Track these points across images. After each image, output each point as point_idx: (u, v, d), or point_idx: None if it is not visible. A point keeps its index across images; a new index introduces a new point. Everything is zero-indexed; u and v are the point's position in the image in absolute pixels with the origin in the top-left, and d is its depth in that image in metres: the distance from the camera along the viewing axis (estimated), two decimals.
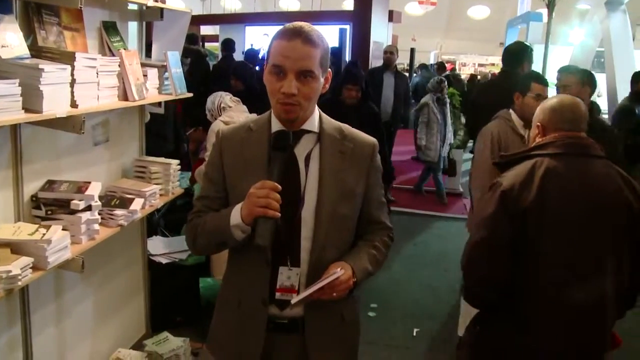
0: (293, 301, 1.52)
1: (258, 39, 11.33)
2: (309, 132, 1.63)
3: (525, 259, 1.88)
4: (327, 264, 1.58)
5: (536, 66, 13.57)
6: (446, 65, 14.87)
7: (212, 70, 7.44)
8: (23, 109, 1.92)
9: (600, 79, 10.93)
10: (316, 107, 1.65)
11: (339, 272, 1.53)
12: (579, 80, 3.30)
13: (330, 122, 1.70)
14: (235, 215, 1.53)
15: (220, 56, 7.98)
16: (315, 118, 1.65)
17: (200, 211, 1.71)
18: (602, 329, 1.95)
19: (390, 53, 6.86)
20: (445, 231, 6.25)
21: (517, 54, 4.21)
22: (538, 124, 2.08)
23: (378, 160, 1.73)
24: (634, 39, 10.63)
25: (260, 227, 1.46)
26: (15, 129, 2.16)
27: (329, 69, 1.61)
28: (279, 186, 1.46)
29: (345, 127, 1.71)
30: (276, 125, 1.63)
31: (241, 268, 1.68)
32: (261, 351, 1.63)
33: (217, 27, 12.55)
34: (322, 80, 1.57)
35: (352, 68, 4.58)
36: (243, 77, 5.32)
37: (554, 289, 1.86)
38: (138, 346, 3.28)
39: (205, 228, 1.64)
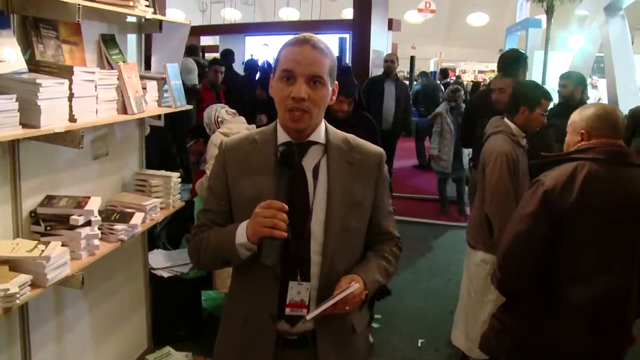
0: (308, 317, 1.49)
1: (258, 49, 11.36)
2: (316, 143, 1.61)
3: (557, 256, 2.04)
4: (338, 276, 1.56)
5: (536, 72, 13.63)
6: (449, 72, 14.84)
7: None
8: (20, 124, 1.91)
9: (601, 84, 10.95)
10: (323, 118, 1.63)
11: (354, 285, 1.50)
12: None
13: (336, 132, 1.67)
14: (241, 233, 1.50)
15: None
16: (322, 129, 1.63)
17: (204, 225, 1.67)
18: (623, 326, 2.11)
19: (391, 62, 6.85)
20: (449, 240, 6.21)
21: (513, 61, 4.22)
22: (583, 131, 2.15)
23: (386, 170, 1.71)
24: (632, 44, 10.62)
25: (267, 247, 1.44)
26: (13, 144, 2.14)
27: (336, 82, 1.60)
28: (286, 206, 1.44)
29: (352, 137, 1.70)
30: (282, 137, 1.60)
31: (248, 283, 1.64)
32: None
33: (217, 37, 12.59)
34: (330, 89, 1.56)
35: (343, 77, 3.82)
36: (268, 87, 5.35)
37: (581, 287, 2.01)
38: None
39: (210, 244, 1.61)
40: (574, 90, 4.48)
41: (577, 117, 2.22)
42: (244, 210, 1.55)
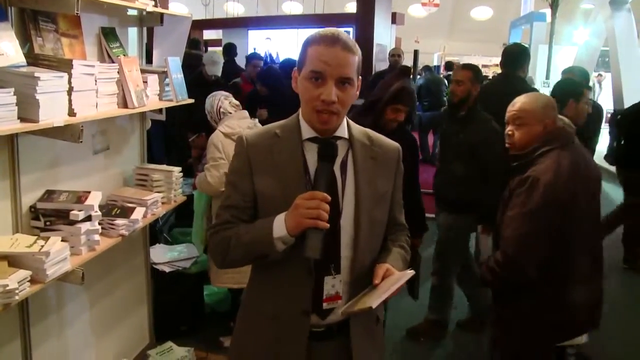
0: (374, 305, 1.44)
1: (261, 42, 11.32)
2: (340, 138, 1.60)
3: (562, 240, 2.21)
4: (366, 269, 1.58)
5: (541, 66, 13.55)
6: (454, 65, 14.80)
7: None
8: (19, 118, 1.88)
9: (607, 77, 10.89)
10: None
11: (409, 273, 1.54)
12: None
13: (357, 127, 1.68)
14: (279, 226, 1.47)
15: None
16: (345, 123, 1.62)
17: (228, 222, 1.61)
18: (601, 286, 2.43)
19: (398, 56, 6.87)
20: None
21: (518, 56, 4.16)
22: (548, 121, 2.31)
23: (401, 165, 1.74)
24: (638, 38, 10.55)
25: (312, 239, 1.42)
26: (12, 138, 2.12)
27: (360, 77, 1.58)
28: (329, 197, 1.43)
29: (370, 131, 1.71)
30: (307, 132, 1.58)
31: (276, 279, 1.62)
32: None
33: (220, 31, 12.55)
34: (357, 87, 1.55)
35: (407, 83, 2.99)
36: (268, 83, 5.33)
37: (580, 268, 2.26)
38: (142, 357, 3.24)
39: (241, 241, 1.56)
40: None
41: (533, 106, 2.33)
42: (272, 205, 1.54)
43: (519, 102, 2.38)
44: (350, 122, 1.65)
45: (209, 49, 12.07)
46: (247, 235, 1.55)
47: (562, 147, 2.26)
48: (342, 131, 1.60)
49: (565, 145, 2.28)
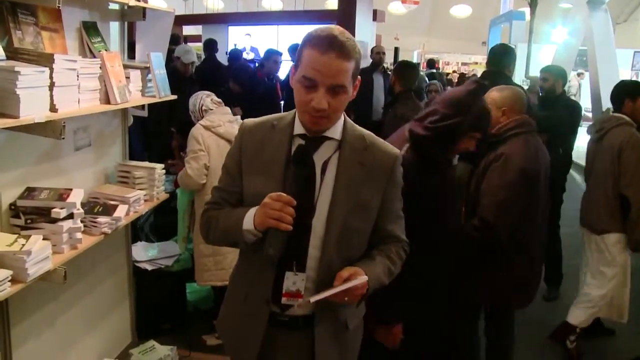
0: (312, 299, 1.50)
1: (241, 38, 11.24)
2: (330, 139, 1.59)
3: (529, 209, 2.57)
4: (334, 272, 1.55)
5: (520, 65, 13.67)
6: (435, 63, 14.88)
7: (195, 71, 7.33)
8: None
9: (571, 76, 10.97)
10: (343, 112, 1.61)
11: (362, 278, 1.50)
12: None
13: (355, 129, 1.65)
14: (248, 220, 1.53)
15: (202, 57, 7.87)
16: (340, 124, 1.61)
17: (216, 202, 1.71)
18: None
19: (382, 54, 6.89)
20: None
21: (504, 55, 4.20)
22: (504, 108, 2.65)
23: (399, 174, 1.68)
24: (614, 37, 10.69)
25: (271, 238, 1.47)
26: None
27: (358, 77, 1.56)
28: (294, 201, 1.46)
29: (370, 135, 1.67)
30: (299, 128, 1.60)
31: (250, 265, 1.69)
32: (259, 346, 1.65)
33: (200, 27, 12.43)
34: (351, 90, 1.53)
35: (474, 106, 2.28)
36: (241, 81, 5.29)
37: (538, 231, 2.64)
38: (124, 356, 3.20)
39: (219, 226, 1.65)
40: (554, 83, 4.52)
41: (497, 95, 2.69)
42: (253, 195, 1.58)
43: (490, 91, 2.67)
44: (350, 124, 1.64)
45: (189, 44, 12.02)
46: (224, 222, 1.63)
47: (528, 132, 2.63)
48: (334, 132, 1.59)
49: (531, 132, 2.65)
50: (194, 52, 5.83)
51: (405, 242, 1.76)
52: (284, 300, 1.59)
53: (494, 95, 2.68)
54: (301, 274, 1.58)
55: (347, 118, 1.64)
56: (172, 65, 5.72)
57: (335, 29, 1.47)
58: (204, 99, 3.47)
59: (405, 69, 4.72)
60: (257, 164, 1.62)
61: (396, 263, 1.70)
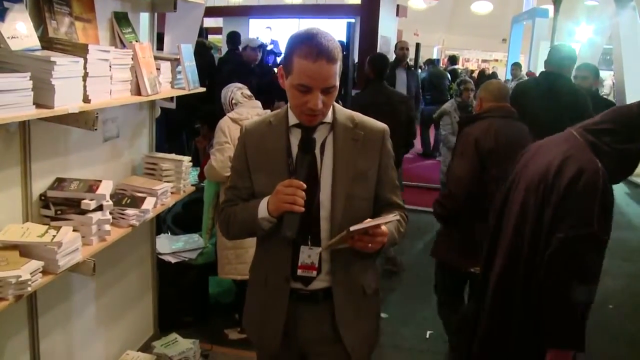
0: (351, 228, 1.58)
1: (261, 31, 11.22)
2: (323, 123, 1.75)
3: (484, 180, 2.92)
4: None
5: (542, 63, 13.52)
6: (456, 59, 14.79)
7: (218, 63, 7.33)
8: (34, 104, 1.82)
9: (608, 76, 10.87)
10: None
11: (393, 216, 1.70)
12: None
13: (343, 111, 1.81)
14: (262, 208, 1.69)
15: (225, 49, 7.87)
16: (330, 109, 1.75)
17: (230, 200, 1.86)
18: None
19: (406, 49, 6.83)
20: None
21: (566, 56, 4.04)
22: (481, 96, 3.20)
23: (389, 145, 1.84)
24: None
25: (288, 221, 1.62)
26: (24, 124, 2.06)
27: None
28: (304, 185, 1.61)
29: (357, 115, 1.83)
30: (293, 119, 1.75)
31: (267, 250, 1.84)
32: (284, 322, 1.78)
33: (221, 19, 12.43)
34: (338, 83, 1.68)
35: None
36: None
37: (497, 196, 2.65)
38: (146, 347, 3.19)
39: (237, 219, 1.80)
40: (592, 82, 4.48)
41: (481, 89, 3.26)
42: (264, 186, 1.74)
43: None
44: (338, 107, 1.80)
45: (209, 36, 12.02)
46: (240, 215, 1.79)
47: (499, 117, 3.04)
48: (326, 117, 1.74)
49: (504, 117, 3.05)
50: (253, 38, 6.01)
51: (404, 209, 1.89)
52: (299, 272, 1.74)
53: (480, 89, 3.28)
54: (315, 247, 1.74)
55: (335, 103, 1.78)
56: (239, 55, 5.79)
57: (318, 34, 1.60)
58: (235, 92, 3.49)
59: (381, 59, 4.96)
60: (262, 157, 1.78)
61: (402, 224, 1.86)
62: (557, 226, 2.04)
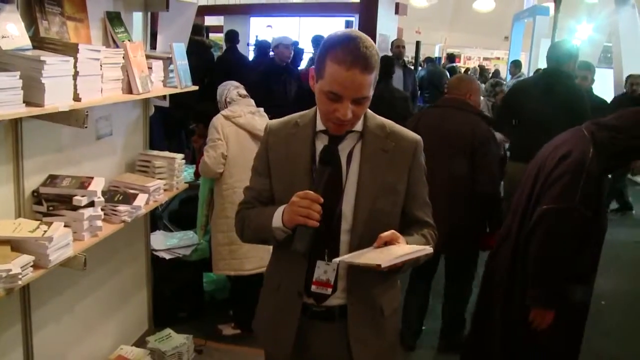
0: (383, 264, 1.41)
1: (262, 30, 11.24)
2: (352, 131, 1.64)
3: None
4: None
5: (543, 60, 13.51)
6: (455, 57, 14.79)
7: (216, 62, 7.37)
8: (24, 102, 1.86)
9: (608, 74, 10.87)
10: None
11: (429, 247, 1.54)
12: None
13: (375, 119, 1.70)
14: (277, 218, 1.59)
15: (224, 47, 7.90)
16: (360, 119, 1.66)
17: (248, 202, 1.78)
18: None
19: (402, 47, 6.87)
20: None
21: (566, 52, 4.03)
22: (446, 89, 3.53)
23: (421, 159, 1.73)
24: None
25: (300, 234, 1.52)
26: (15, 122, 2.10)
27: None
28: (321, 199, 1.51)
29: (389, 123, 1.72)
30: (320, 125, 1.65)
31: (283, 255, 1.73)
32: (294, 338, 1.69)
33: (222, 17, 12.45)
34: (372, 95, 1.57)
35: None
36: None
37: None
38: (140, 342, 3.24)
39: (251, 224, 1.72)
40: (591, 81, 4.52)
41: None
42: (282, 192, 1.66)
43: None
44: (370, 114, 1.69)
45: (210, 35, 12.04)
46: (255, 220, 1.70)
47: (435, 106, 3.49)
48: (356, 124, 1.64)
49: (436, 106, 3.46)
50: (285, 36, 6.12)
51: (434, 227, 1.77)
52: (313, 288, 1.65)
53: None
54: (332, 263, 1.62)
55: (367, 109, 1.66)
56: (270, 57, 5.92)
57: (357, 38, 1.48)
58: (231, 90, 3.50)
59: (385, 59, 5.03)
60: (284, 161, 1.68)
61: (430, 243, 1.71)
62: (542, 199, 2.35)
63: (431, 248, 1.56)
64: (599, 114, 4.32)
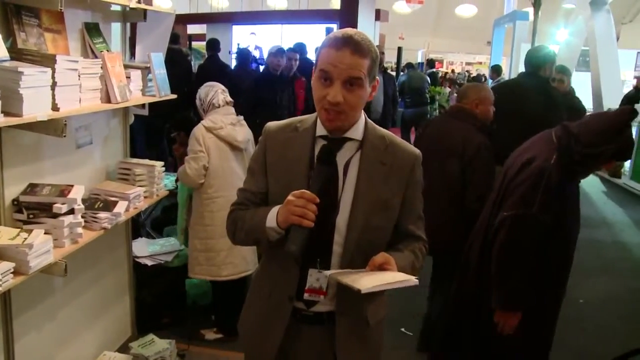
0: (362, 289, 1.42)
1: (245, 38, 11.31)
2: (351, 139, 1.64)
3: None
4: (355, 267, 1.59)
5: (522, 64, 13.71)
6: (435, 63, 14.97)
7: (197, 70, 7.42)
8: (2, 112, 1.90)
9: (587, 77, 11.08)
10: (362, 113, 1.66)
11: (414, 279, 1.48)
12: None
13: (375, 129, 1.69)
14: (272, 218, 1.58)
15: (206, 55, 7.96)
16: (361, 125, 1.65)
17: (241, 203, 1.76)
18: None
19: (382, 53, 6.93)
20: None
21: (542, 57, 4.12)
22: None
23: (419, 174, 1.72)
24: (617, 39, 10.74)
25: (294, 235, 1.50)
26: None
27: (377, 78, 1.62)
28: (317, 199, 1.49)
29: (390, 135, 1.72)
30: (321, 129, 1.64)
31: (274, 262, 1.73)
32: (280, 341, 1.69)
33: (204, 26, 12.50)
34: (369, 89, 1.57)
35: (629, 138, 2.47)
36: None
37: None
38: (124, 349, 3.27)
39: (245, 225, 1.69)
40: (568, 84, 4.65)
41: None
42: (278, 195, 1.61)
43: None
44: (371, 124, 1.69)
45: (193, 43, 12.09)
46: (249, 221, 1.67)
47: (443, 115, 3.59)
48: (356, 133, 1.64)
49: (441, 114, 3.72)
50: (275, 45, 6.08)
51: (425, 241, 1.78)
52: (306, 295, 1.65)
53: None
54: (325, 271, 1.60)
55: (368, 119, 1.68)
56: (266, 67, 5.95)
57: (352, 30, 1.53)
58: (219, 93, 3.46)
59: None
60: (282, 164, 1.67)
61: (419, 259, 1.72)
62: (503, 205, 2.46)
63: (416, 280, 1.49)
64: (576, 117, 4.48)
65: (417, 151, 1.72)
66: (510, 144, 2.88)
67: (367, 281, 1.45)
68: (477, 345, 2.70)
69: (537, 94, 3.79)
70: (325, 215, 1.54)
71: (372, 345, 1.78)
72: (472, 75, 15.58)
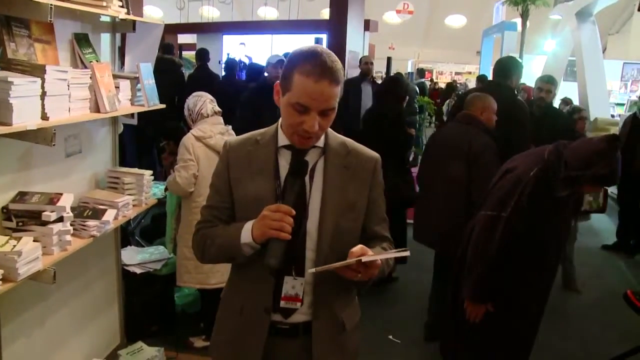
0: (363, 259, 1.48)
1: (235, 47, 11.37)
2: (314, 147, 1.66)
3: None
4: (329, 273, 1.58)
5: None
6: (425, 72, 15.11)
7: (187, 80, 7.46)
8: None
9: (575, 87, 11.22)
10: None
11: (405, 251, 1.52)
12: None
13: (336, 136, 1.73)
14: (246, 234, 1.57)
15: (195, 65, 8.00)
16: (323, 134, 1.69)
17: (207, 221, 1.74)
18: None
19: (371, 63, 7.03)
20: None
21: (509, 67, 4.27)
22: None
23: (380, 176, 1.76)
24: (605, 50, 10.91)
25: (273, 248, 1.50)
26: None
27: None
28: (294, 211, 1.51)
29: (350, 141, 1.75)
30: (283, 139, 1.65)
31: (245, 277, 1.72)
32: (261, 356, 1.67)
33: (195, 35, 12.55)
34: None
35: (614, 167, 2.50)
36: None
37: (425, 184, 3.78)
38: (112, 356, 3.29)
39: (215, 242, 1.68)
40: (554, 95, 4.82)
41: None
42: (246, 209, 1.63)
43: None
44: (330, 131, 1.70)
45: (183, 53, 12.13)
46: (220, 238, 1.66)
47: (452, 121, 3.91)
48: (318, 140, 1.66)
49: (449, 121, 4.03)
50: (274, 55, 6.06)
51: (391, 241, 1.81)
52: (282, 303, 1.64)
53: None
54: (300, 278, 1.63)
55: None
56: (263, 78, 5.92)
57: (323, 52, 1.51)
58: (207, 103, 3.49)
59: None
60: (247, 177, 1.67)
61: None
62: (483, 206, 2.71)
63: (408, 252, 1.52)
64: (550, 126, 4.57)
65: (377, 155, 1.76)
66: None
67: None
68: (461, 336, 2.91)
69: (502, 103, 3.83)
70: (296, 222, 1.54)
71: (349, 351, 1.80)
72: (459, 83, 15.73)
